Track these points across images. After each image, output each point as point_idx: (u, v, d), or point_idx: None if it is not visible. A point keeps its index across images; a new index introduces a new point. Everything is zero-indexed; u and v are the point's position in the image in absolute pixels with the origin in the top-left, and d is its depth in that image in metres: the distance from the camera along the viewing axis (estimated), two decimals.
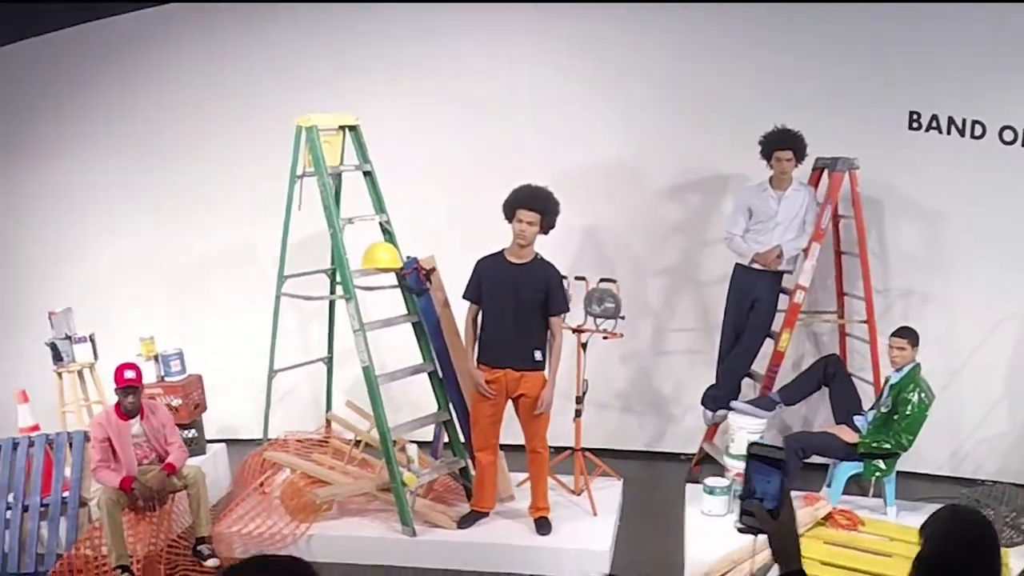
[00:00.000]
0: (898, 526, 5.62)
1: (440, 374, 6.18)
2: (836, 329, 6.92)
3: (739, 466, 5.98)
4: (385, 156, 6.29)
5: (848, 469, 5.85)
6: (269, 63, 7.23)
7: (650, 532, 6.12)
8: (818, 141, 6.31)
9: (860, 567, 5.15)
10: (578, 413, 6.15)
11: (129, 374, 5.69)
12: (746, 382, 6.70)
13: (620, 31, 6.89)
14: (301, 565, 1.95)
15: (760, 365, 6.60)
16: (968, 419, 6.76)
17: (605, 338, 6.12)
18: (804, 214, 6.35)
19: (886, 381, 5.94)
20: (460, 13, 7.03)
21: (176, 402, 6.52)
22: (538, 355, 5.60)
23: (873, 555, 5.28)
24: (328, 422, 6.81)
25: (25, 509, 5.77)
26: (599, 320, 6.12)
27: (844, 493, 5.96)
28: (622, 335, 6.15)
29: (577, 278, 6.07)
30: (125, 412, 5.71)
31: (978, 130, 6.55)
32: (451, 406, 6.22)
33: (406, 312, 6.14)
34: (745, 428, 6.05)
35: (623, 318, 6.05)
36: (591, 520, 6.00)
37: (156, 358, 6.66)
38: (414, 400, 6.65)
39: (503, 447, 6.00)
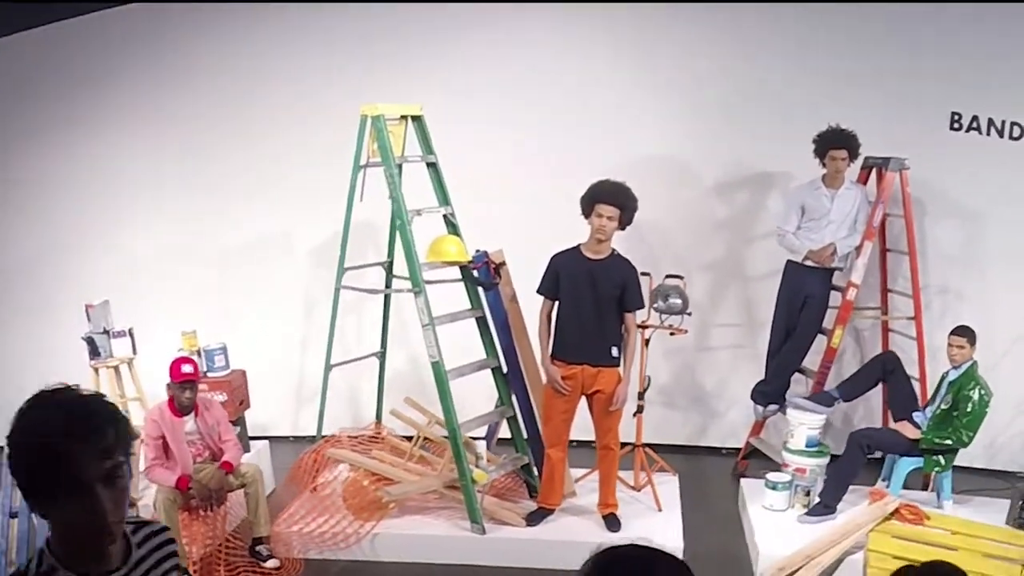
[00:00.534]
0: (960, 520, 5.73)
1: (504, 370, 6.09)
2: (878, 325, 7.02)
3: (798, 461, 6.04)
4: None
5: (909, 464, 5.93)
6: (313, 51, 7.05)
7: (708, 526, 6.13)
8: (861, 140, 6.36)
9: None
10: (640, 409, 6.15)
11: (187, 368, 5.50)
12: (795, 378, 6.76)
13: (668, 28, 6.91)
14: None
15: (810, 361, 6.68)
16: (1003, 413, 6.87)
17: (672, 334, 6.12)
18: (856, 213, 6.43)
19: (943, 378, 6.04)
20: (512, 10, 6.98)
21: (221, 398, 6.30)
22: (615, 351, 5.56)
23: (940, 548, 5.40)
24: (378, 419, 6.68)
25: None
26: (664, 316, 6.11)
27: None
28: (687, 331, 6.15)
29: (642, 274, 6.05)
30: (180, 408, 5.52)
31: (1016, 131, 6.70)
32: (515, 401, 6.14)
33: (469, 307, 6.04)
34: (806, 424, 6.09)
35: (690, 314, 6.06)
36: (657, 516, 5.99)
37: (199, 352, 6.44)
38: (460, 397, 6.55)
39: None
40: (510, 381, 6.09)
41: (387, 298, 6.54)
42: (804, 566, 5.35)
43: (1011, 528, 5.74)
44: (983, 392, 5.76)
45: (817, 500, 5.89)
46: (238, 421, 6.49)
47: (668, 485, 6.37)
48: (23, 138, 7.40)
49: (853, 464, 5.84)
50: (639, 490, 6.29)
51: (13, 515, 5.01)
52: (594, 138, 6.92)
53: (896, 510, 5.61)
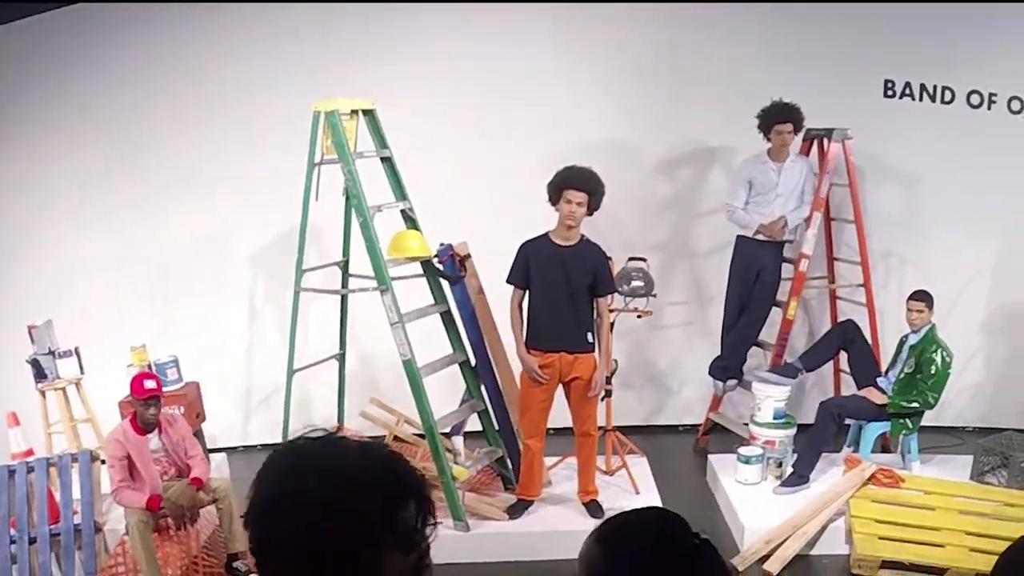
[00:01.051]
0: (932, 479, 5.92)
1: (472, 363, 6.00)
2: (825, 294, 7.16)
3: (767, 434, 6.12)
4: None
5: (877, 429, 6.08)
6: (253, 48, 6.76)
7: (681, 503, 6.13)
8: None
9: (913, 522, 5.41)
10: (608, 393, 6.13)
11: (149, 384, 5.21)
12: (751, 351, 6.84)
13: (607, 9, 6.84)
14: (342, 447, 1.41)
15: (766, 334, 6.77)
16: None
17: (639, 316, 6.11)
18: (803, 184, 6.53)
19: (902, 342, 6.20)
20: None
21: (178, 412, 6.06)
22: (590, 337, 5.53)
23: (918, 508, 5.57)
24: (339, 421, 6.51)
25: (32, 541, 5.23)
26: (628, 299, 6.10)
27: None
28: (652, 312, 6.16)
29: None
30: (144, 426, 5.25)
31: (948, 95, 6.90)
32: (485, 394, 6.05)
33: (433, 302, 5.92)
34: (772, 396, 6.16)
35: (655, 296, 6.06)
36: (636, 498, 5.98)
37: (150, 367, 6.17)
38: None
39: None
40: (480, 374, 6.00)
41: (344, 299, 6.36)
42: (791, 536, 5.44)
43: (975, 483, 5.95)
44: (945, 354, 5.92)
45: (791, 470, 5.98)
46: (197, 435, 6.24)
47: (639, 467, 6.38)
48: None
49: (825, 433, 5.95)
50: (612, 474, 6.29)
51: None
52: (543, 125, 6.84)
53: (872, 475, 5.75)
